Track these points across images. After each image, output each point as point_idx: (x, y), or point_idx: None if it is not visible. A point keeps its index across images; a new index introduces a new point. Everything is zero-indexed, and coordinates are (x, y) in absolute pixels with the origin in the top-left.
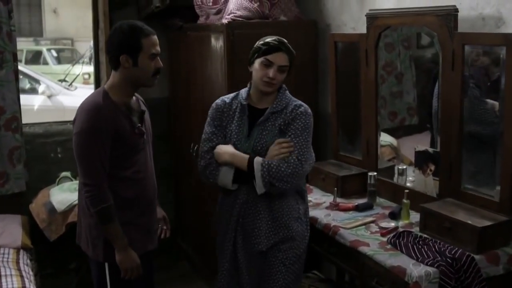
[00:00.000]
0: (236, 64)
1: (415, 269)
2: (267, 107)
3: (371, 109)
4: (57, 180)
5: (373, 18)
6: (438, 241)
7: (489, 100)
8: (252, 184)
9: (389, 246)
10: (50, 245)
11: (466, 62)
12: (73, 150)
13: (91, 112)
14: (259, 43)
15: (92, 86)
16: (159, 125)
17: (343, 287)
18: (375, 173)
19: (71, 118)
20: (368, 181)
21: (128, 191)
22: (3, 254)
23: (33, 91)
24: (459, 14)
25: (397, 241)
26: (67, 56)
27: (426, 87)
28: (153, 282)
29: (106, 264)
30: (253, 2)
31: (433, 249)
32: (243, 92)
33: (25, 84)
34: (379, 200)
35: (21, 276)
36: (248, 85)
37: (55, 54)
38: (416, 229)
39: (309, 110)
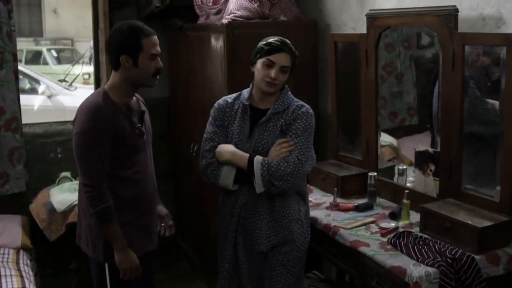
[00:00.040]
0: (236, 64)
1: (415, 270)
2: (269, 107)
3: (371, 109)
4: (57, 180)
5: (373, 18)
6: (438, 242)
7: (490, 100)
8: (253, 185)
9: (389, 247)
10: (50, 245)
11: (466, 62)
12: (73, 150)
13: (91, 112)
14: (261, 43)
15: (92, 86)
16: (159, 125)
17: (343, 287)
18: (375, 173)
19: (71, 118)
20: (368, 181)
21: (128, 192)
22: (3, 254)
23: (33, 91)
24: (459, 14)
25: (397, 241)
26: (67, 56)
27: (426, 87)
28: (153, 282)
29: (106, 264)
30: (253, 2)
31: (433, 250)
32: (245, 92)
33: (25, 84)
34: (379, 200)
35: (21, 276)
36: (251, 85)
37: (55, 54)
38: (416, 230)
39: (311, 111)
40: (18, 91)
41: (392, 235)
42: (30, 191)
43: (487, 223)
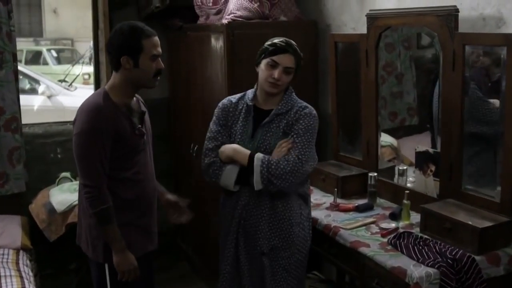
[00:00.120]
0: (236, 64)
1: (416, 270)
2: (273, 108)
3: (371, 109)
4: (57, 180)
5: (373, 18)
6: (439, 242)
7: (492, 100)
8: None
9: (389, 247)
10: (50, 245)
11: (466, 62)
12: (73, 150)
13: (92, 113)
14: (266, 43)
15: (92, 86)
16: (159, 125)
17: None
18: (376, 174)
19: (71, 118)
20: (369, 182)
21: (128, 192)
22: (3, 254)
23: (33, 91)
24: (460, 14)
25: (398, 242)
26: (67, 56)
27: (426, 88)
28: (153, 283)
29: (106, 265)
30: (253, 2)
31: (434, 250)
32: (250, 93)
33: (25, 84)
34: (380, 200)
35: (21, 277)
36: (255, 86)
37: (55, 54)
38: (416, 230)
39: (315, 112)
40: (18, 91)
41: (393, 235)
42: (30, 192)
43: (487, 224)
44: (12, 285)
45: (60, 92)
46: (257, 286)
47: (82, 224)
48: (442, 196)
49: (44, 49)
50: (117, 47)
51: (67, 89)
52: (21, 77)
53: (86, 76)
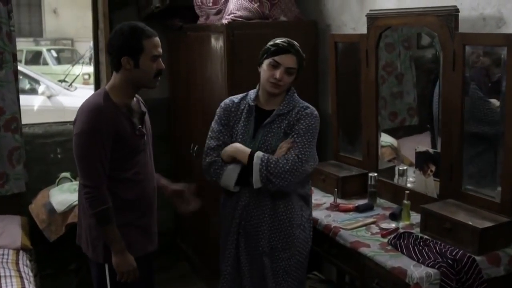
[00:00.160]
0: (236, 64)
1: (416, 270)
2: (274, 109)
3: (371, 109)
4: (57, 180)
5: (373, 18)
6: (439, 242)
7: (493, 100)
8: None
9: (389, 247)
10: (49, 245)
11: (467, 62)
12: (73, 151)
13: (92, 113)
14: (269, 44)
15: (92, 86)
16: (159, 125)
17: None
18: (376, 174)
19: (71, 118)
20: (369, 182)
21: (128, 193)
22: (3, 255)
23: (33, 91)
24: (460, 14)
25: (398, 242)
26: (67, 56)
27: (426, 88)
28: (153, 283)
29: (106, 265)
30: (253, 2)
31: (434, 250)
32: (252, 93)
33: (25, 84)
34: (380, 201)
35: (21, 277)
36: (257, 86)
37: (55, 54)
38: (416, 230)
39: (316, 113)
40: (18, 91)
41: (393, 236)
42: (29, 192)
43: (487, 224)
44: (12, 285)
45: (60, 92)
46: (258, 287)
47: (82, 225)
48: (442, 196)
49: (44, 49)
50: (117, 48)
51: (67, 89)
52: (21, 77)
53: (86, 76)
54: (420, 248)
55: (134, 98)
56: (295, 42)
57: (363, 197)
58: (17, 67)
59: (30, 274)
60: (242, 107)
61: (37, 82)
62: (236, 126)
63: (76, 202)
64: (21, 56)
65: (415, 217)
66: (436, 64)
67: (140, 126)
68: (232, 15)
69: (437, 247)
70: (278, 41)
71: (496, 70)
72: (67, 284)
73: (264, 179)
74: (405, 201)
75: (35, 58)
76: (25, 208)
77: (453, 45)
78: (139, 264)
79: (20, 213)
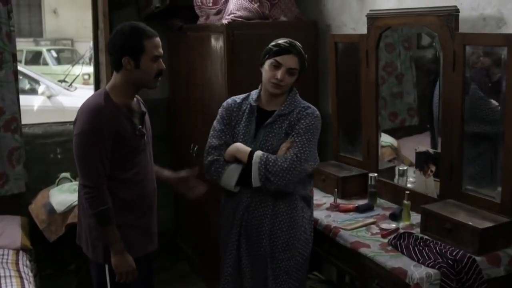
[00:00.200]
0: (236, 64)
1: (416, 271)
2: (276, 109)
3: (371, 109)
4: (57, 181)
5: (373, 18)
6: (439, 243)
7: (494, 99)
8: (256, 187)
9: (389, 248)
10: (49, 246)
11: (467, 63)
12: (74, 151)
13: (92, 113)
14: (270, 44)
15: (92, 86)
16: (159, 125)
17: None
18: (376, 174)
19: (71, 118)
20: (369, 182)
21: (128, 193)
22: (3, 255)
23: (32, 91)
24: (460, 14)
25: (398, 242)
26: (67, 56)
27: (426, 88)
28: (153, 283)
29: (106, 266)
30: (253, 2)
31: (434, 251)
32: (254, 93)
33: (25, 84)
34: (380, 201)
35: (21, 277)
36: (259, 86)
37: (55, 54)
38: (417, 230)
39: (317, 113)
40: (18, 91)
41: (393, 236)
42: (29, 192)
43: (488, 224)
44: (11, 285)
45: (60, 92)
46: (259, 287)
47: (82, 225)
48: (442, 196)
49: (44, 49)
50: (118, 48)
51: (67, 89)
52: (21, 77)
53: (86, 77)
54: (420, 248)
55: (134, 98)
56: (297, 43)
57: (363, 197)
58: (17, 67)
59: (30, 274)
60: (244, 107)
61: (37, 82)
62: (238, 126)
63: (76, 202)
64: (21, 56)
65: (415, 218)
66: (436, 64)
67: (140, 126)
68: (232, 15)
69: (437, 248)
70: (280, 41)
71: (496, 70)
72: (67, 284)
73: (263, 178)
74: (405, 202)
75: (35, 58)
76: (25, 209)
77: (453, 45)
78: (139, 264)
79: (20, 213)
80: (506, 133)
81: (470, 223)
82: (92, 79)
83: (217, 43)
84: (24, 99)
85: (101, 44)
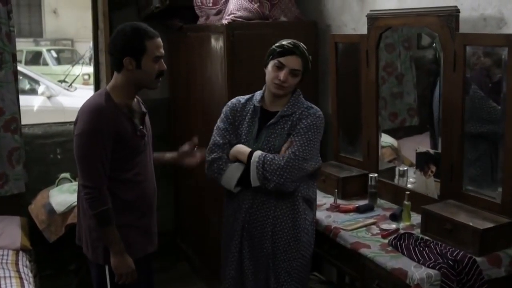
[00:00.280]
0: (236, 64)
1: (417, 272)
2: (279, 110)
3: (371, 110)
4: (57, 181)
5: (374, 18)
6: (440, 243)
7: (494, 100)
8: (257, 188)
9: (390, 248)
10: (49, 246)
11: (467, 63)
12: (74, 151)
13: (93, 113)
14: (274, 45)
15: (92, 87)
16: (159, 125)
17: None
18: (376, 175)
19: (71, 119)
20: (369, 183)
21: (128, 193)
22: (2, 255)
23: (32, 91)
24: (461, 14)
25: (398, 243)
26: (67, 56)
27: (426, 88)
28: (152, 284)
29: (106, 267)
30: (253, 2)
31: (435, 251)
32: (258, 94)
33: (24, 84)
34: (380, 201)
35: (20, 278)
36: (263, 87)
37: (55, 54)
38: (417, 231)
39: (319, 113)
40: (18, 91)
41: (393, 236)
42: (29, 192)
43: (488, 225)
44: (11, 286)
45: (60, 93)
46: None
47: (82, 226)
48: (442, 197)
49: (44, 50)
50: (119, 48)
51: (67, 89)
52: (20, 77)
53: (86, 77)
54: (421, 249)
55: (135, 99)
56: (301, 44)
57: (363, 197)
58: (16, 67)
59: (30, 274)
60: (248, 108)
61: (37, 82)
62: (241, 126)
63: (76, 203)
64: (21, 57)
65: (416, 218)
66: (437, 64)
67: (141, 126)
68: (232, 15)
69: (437, 248)
70: (283, 42)
71: (496, 71)
72: (66, 285)
73: (261, 177)
74: (405, 202)
75: (35, 59)
76: (25, 209)
77: (453, 45)
78: (139, 265)
79: (19, 214)
80: (506, 133)
81: (471, 224)
82: (92, 79)
83: (217, 43)
84: (24, 100)
85: (101, 44)
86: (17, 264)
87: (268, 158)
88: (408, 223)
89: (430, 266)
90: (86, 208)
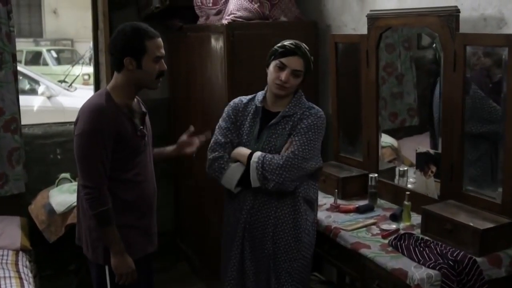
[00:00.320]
0: (236, 65)
1: (417, 272)
2: (281, 110)
3: (371, 110)
4: (57, 181)
5: (374, 18)
6: (440, 243)
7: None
8: (258, 189)
9: (390, 249)
10: (49, 246)
11: (467, 63)
12: (74, 151)
13: (93, 113)
14: (276, 45)
15: (92, 87)
16: (159, 125)
17: None
18: (376, 175)
19: (71, 119)
20: (369, 183)
21: (128, 194)
22: (2, 256)
23: (32, 92)
24: (461, 14)
25: (399, 243)
26: (67, 57)
27: (426, 88)
28: (152, 284)
29: (106, 267)
30: (253, 2)
31: (435, 252)
32: (260, 94)
33: (24, 85)
34: (380, 202)
35: (20, 278)
36: (266, 87)
37: (55, 55)
38: (417, 231)
39: (320, 113)
40: (18, 92)
41: (393, 237)
42: (29, 192)
43: (488, 225)
44: (11, 286)
45: (60, 93)
46: None
47: (82, 226)
48: (443, 197)
49: (44, 50)
50: (120, 48)
51: (67, 89)
52: (20, 77)
53: (86, 77)
54: (421, 249)
55: (135, 99)
56: (303, 45)
57: (363, 198)
58: (16, 67)
59: (30, 275)
60: (250, 108)
61: (37, 82)
62: (243, 126)
63: (76, 203)
64: (21, 57)
65: (416, 218)
66: (437, 64)
67: (141, 127)
68: (232, 15)
69: (438, 248)
70: (285, 43)
71: (497, 71)
72: (66, 285)
73: (261, 177)
74: (405, 202)
75: (35, 59)
76: (25, 209)
77: (454, 45)
78: (139, 265)
79: (19, 214)
80: (506, 133)
81: (471, 224)
82: (92, 80)
83: (217, 43)
84: (24, 100)
85: (101, 45)
86: (17, 264)
87: (267, 158)
88: (408, 223)
89: (431, 266)
90: (86, 209)
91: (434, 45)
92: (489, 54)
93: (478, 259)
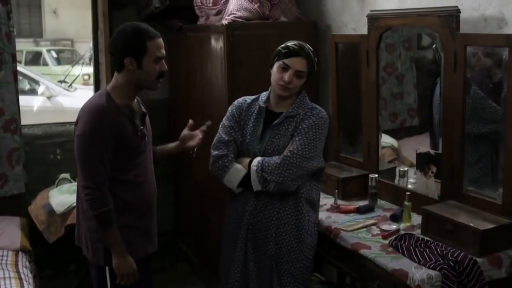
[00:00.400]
0: (236, 65)
1: (417, 272)
2: (284, 111)
3: (372, 110)
4: (56, 181)
5: (374, 19)
6: (440, 244)
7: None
8: (260, 190)
9: (390, 249)
10: (49, 247)
11: (468, 63)
12: (75, 152)
13: (94, 114)
14: (280, 46)
15: (92, 87)
16: (159, 126)
17: None
18: (376, 175)
19: (71, 119)
20: (369, 183)
21: (128, 194)
22: (2, 256)
23: (32, 92)
24: (461, 15)
25: (399, 243)
26: (67, 57)
27: (427, 88)
28: (152, 285)
29: (107, 268)
30: (253, 3)
31: (435, 252)
32: (264, 95)
33: (24, 85)
34: (380, 202)
35: (20, 279)
36: (270, 88)
37: (55, 55)
38: (417, 232)
39: (323, 113)
40: (18, 92)
41: (394, 237)
42: (29, 193)
43: (489, 226)
44: (11, 286)
45: (59, 93)
46: None
47: (82, 227)
48: (443, 197)
49: (44, 50)
50: (120, 48)
51: (67, 89)
52: (20, 77)
53: (86, 77)
54: (421, 249)
55: (135, 99)
56: (307, 45)
57: (363, 198)
58: (16, 67)
59: (30, 275)
60: (253, 108)
61: (37, 82)
62: (246, 126)
63: (76, 203)
64: (21, 57)
65: (416, 219)
66: (437, 65)
67: (142, 127)
68: (232, 15)
69: (438, 249)
70: (289, 43)
71: (497, 71)
72: (66, 286)
73: (261, 179)
74: (406, 203)
75: (35, 59)
76: (25, 209)
77: (454, 45)
78: (139, 266)
79: (19, 214)
80: (507, 134)
81: (471, 225)
82: (92, 80)
83: (217, 44)
84: (23, 100)
85: (101, 45)
86: (16, 264)
87: (266, 160)
88: (408, 224)
89: (431, 267)
90: (86, 209)
91: (434, 45)
92: (489, 54)
93: (479, 260)
